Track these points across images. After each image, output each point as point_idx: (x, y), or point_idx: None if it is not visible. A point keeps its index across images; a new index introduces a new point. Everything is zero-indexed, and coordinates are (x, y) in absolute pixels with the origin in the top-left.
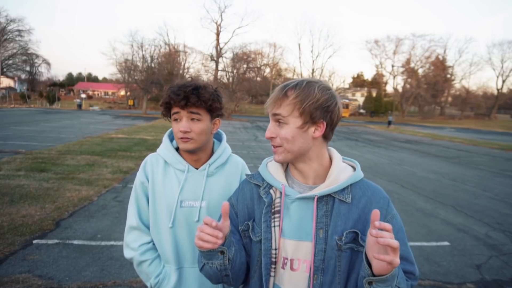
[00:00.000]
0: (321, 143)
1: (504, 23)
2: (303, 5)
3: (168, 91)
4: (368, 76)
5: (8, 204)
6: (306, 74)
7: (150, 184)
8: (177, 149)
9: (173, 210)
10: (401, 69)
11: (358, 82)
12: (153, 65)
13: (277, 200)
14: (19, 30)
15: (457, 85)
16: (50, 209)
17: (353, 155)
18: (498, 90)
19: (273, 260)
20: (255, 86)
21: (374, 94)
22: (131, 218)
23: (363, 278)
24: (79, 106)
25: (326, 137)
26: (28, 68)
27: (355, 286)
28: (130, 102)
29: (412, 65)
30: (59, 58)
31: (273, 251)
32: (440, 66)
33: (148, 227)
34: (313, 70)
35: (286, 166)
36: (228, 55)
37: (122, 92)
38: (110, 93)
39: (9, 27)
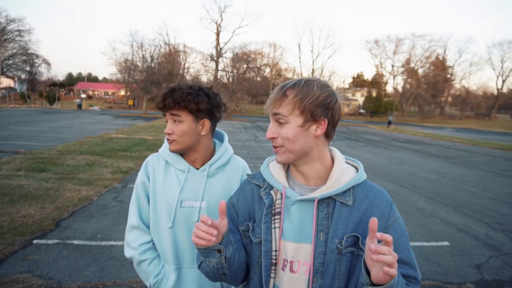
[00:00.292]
0: (323, 142)
1: (504, 23)
2: (303, 5)
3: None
4: (368, 76)
5: (8, 204)
6: (306, 74)
7: (151, 184)
8: None
9: (173, 210)
10: (401, 69)
11: (358, 82)
12: (153, 65)
13: (278, 202)
14: (19, 30)
15: (457, 85)
16: (50, 209)
17: (353, 155)
18: (498, 90)
19: (273, 261)
20: (255, 86)
21: (374, 94)
22: (132, 218)
23: (362, 285)
24: (79, 106)
25: (328, 135)
26: (28, 68)
27: (354, 287)
28: (130, 102)
29: (412, 65)
30: (59, 58)
31: (273, 253)
32: (440, 66)
33: (149, 227)
34: (313, 70)
35: (288, 166)
36: (228, 55)
37: (122, 92)
38: (110, 93)
39: (9, 27)
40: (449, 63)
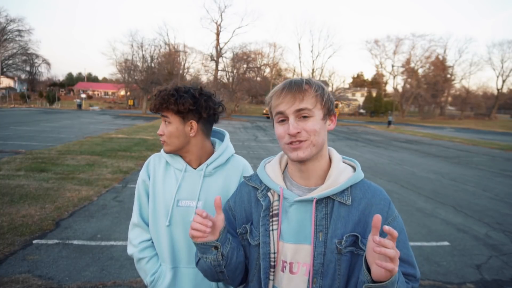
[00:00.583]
0: (327, 139)
1: (504, 23)
2: (303, 5)
3: None
4: (368, 76)
5: (8, 204)
6: (306, 74)
7: (151, 183)
8: None
9: (169, 209)
10: (401, 69)
11: (358, 82)
12: (153, 65)
13: (275, 203)
14: (19, 30)
15: (457, 85)
16: (50, 209)
17: (353, 155)
18: (498, 90)
19: (272, 264)
20: (255, 86)
21: (374, 94)
22: (134, 215)
23: (362, 283)
24: (79, 106)
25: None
26: (28, 68)
27: (354, 286)
28: (130, 102)
29: (412, 65)
30: (59, 58)
31: (272, 255)
32: (440, 66)
33: (148, 225)
34: (313, 70)
35: (285, 167)
36: (228, 55)
37: (122, 92)
38: (110, 93)
39: (9, 27)
40: (449, 63)
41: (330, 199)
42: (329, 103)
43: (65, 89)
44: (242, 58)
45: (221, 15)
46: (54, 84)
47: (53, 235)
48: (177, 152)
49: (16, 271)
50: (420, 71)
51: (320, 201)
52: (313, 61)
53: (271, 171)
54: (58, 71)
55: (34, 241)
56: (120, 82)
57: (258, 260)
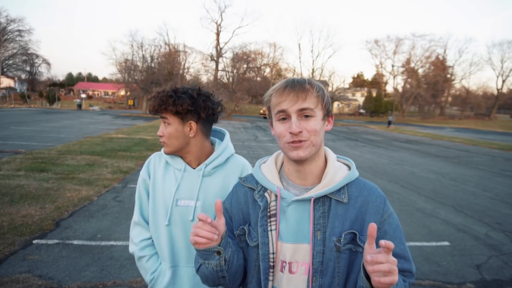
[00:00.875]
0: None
1: (504, 23)
2: (303, 5)
3: None
4: (368, 76)
5: (8, 204)
6: (306, 74)
7: (151, 182)
8: None
9: (169, 208)
10: (401, 69)
11: (358, 82)
12: (153, 65)
13: (273, 204)
14: (19, 30)
15: (457, 85)
16: (50, 209)
17: (353, 155)
18: (498, 90)
19: (271, 264)
20: (255, 86)
21: (374, 94)
22: (135, 214)
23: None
24: (79, 106)
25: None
26: (28, 68)
27: (354, 286)
28: (130, 102)
29: (412, 65)
30: (59, 58)
31: (271, 255)
32: (440, 66)
33: (149, 224)
34: (313, 70)
35: (280, 167)
36: (228, 55)
37: (122, 92)
38: (110, 93)
39: (9, 27)
40: (449, 63)
41: (327, 197)
42: (328, 104)
43: (65, 89)
44: (242, 58)
45: (221, 15)
46: (54, 84)
47: (53, 235)
48: (177, 153)
49: (16, 271)
50: (420, 71)
51: (317, 200)
52: (313, 61)
53: (267, 171)
54: (58, 71)
55: (34, 241)
56: (120, 82)
57: (257, 261)
